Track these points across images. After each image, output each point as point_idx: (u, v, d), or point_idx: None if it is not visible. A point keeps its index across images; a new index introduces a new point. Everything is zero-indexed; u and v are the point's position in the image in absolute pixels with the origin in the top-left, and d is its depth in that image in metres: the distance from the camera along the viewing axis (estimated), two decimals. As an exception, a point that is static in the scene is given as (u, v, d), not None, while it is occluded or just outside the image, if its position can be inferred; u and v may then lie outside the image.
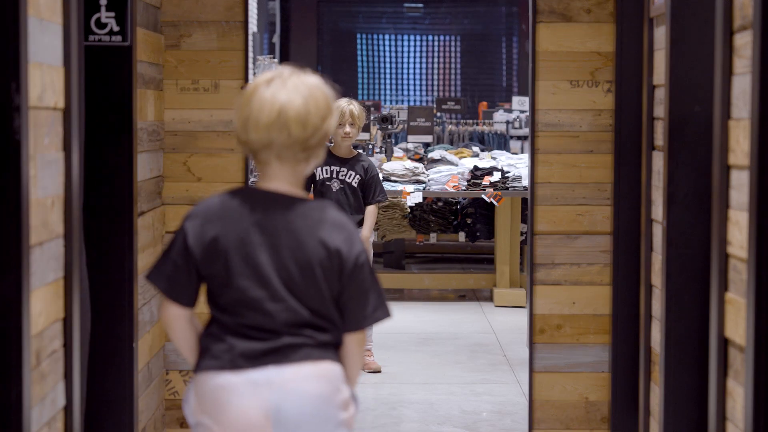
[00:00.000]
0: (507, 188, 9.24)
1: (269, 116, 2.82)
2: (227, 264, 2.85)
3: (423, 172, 9.49)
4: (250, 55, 8.96)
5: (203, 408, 2.87)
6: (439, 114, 12.90)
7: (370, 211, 7.00)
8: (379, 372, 7.12)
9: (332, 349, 2.91)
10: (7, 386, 2.97)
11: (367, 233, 6.94)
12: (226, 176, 5.33)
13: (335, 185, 6.93)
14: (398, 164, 9.58)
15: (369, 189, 6.99)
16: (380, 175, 7.35)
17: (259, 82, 2.87)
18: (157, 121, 5.16)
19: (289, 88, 2.84)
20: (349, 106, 6.98)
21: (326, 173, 6.93)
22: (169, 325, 2.95)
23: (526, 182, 9.11)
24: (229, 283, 2.85)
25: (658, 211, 4.57)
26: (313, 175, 6.92)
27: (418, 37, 17.94)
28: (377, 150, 11.34)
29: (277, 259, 2.84)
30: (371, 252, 6.91)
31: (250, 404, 2.82)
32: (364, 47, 17.93)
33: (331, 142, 7.06)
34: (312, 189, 6.94)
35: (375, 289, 2.91)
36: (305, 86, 2.86)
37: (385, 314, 2.93)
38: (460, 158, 10.18)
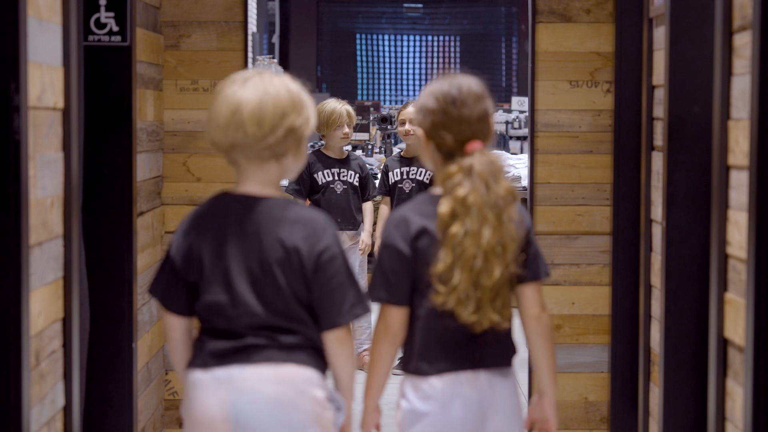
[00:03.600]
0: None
1: (225, 116, 2.84)
2: (201, 272, 2.90)
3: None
4: (250, 55, 8.96)
5: (183, 404, 2.96)
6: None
7: (368, 208, 7.00)
8: None
9: (302, 352, 2.86)
10: (6, 386, 2.97)
11: (370, 228, 6.94)
12: (225, 176, 5.33)
13: (338, 187, 6.92)
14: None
15: (365, 186, 7.00)
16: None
17: (225, 83, 2.90)
18: (156, 121, 5.16)
19: (247, 87, 2.85)
20: (343, 107, 6.99)
21: (328, 176, 6.93)
22: (166, 334, 3.03)
23: (525, 182, 9.10)
24: (204, 290, 2.90)
25: (657, 211, 4.57)
26: (315, 181, 6.91)
27: (417, 38, 17.94)
28: (377, 150, 11.35)
29: (244, 262, 2.85)
30: (376, 244, 6.89)
31: (211, 401, 2.84)
32: (364, 47, 17.93)
33: (320, 144, 7.08)
34: (318, 194, 6.92)
35: (350, 284, 2.85)
36: (264, 84, 2.85)
37: (364, 310, 2.87)
38: (460, 158, 10.16)
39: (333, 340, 2.88)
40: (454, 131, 2.98)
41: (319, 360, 2.89)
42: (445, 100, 2.99)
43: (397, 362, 3.12)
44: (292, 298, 2.83)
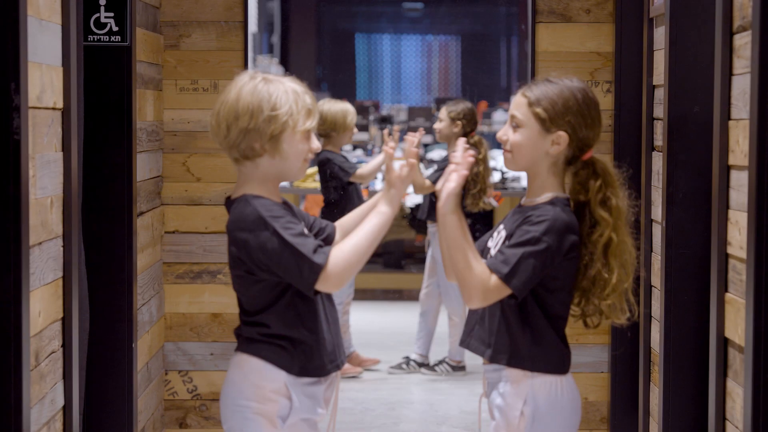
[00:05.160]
0: (506, 188, 9.24)
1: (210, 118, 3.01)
2: None
3: (422, 173, 9.49)
4: (250, 55, 8.96)
5: None
6: (438, 114, 12.90)
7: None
8: (360, 374, 7.13)
9: (261, 344, 2.92)
10: (6, 386, 2.97)
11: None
12: (225, 176, 5.33)
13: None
14: (397, 164, 9.59)
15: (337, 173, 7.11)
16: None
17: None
18: (156, 121, 5.16)
19: (225, 90, 2.97)
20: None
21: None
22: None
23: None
24: None
25: (657, 211, 4.57)
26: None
27: (417, 38, 17.94)
28: (376, 150, 11.34)
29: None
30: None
31: None
32: (364, 47, 17.93)
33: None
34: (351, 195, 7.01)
35: (289, 250, 2.83)
36: (230, 87, 2.95)
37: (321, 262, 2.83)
38: (460, 158, 10.17)
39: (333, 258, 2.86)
40: None
41: (271, 353, 2.94)
42: None
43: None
44: (254, 287, 2.92)
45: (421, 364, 7.26)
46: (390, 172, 2.96)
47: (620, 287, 3.01)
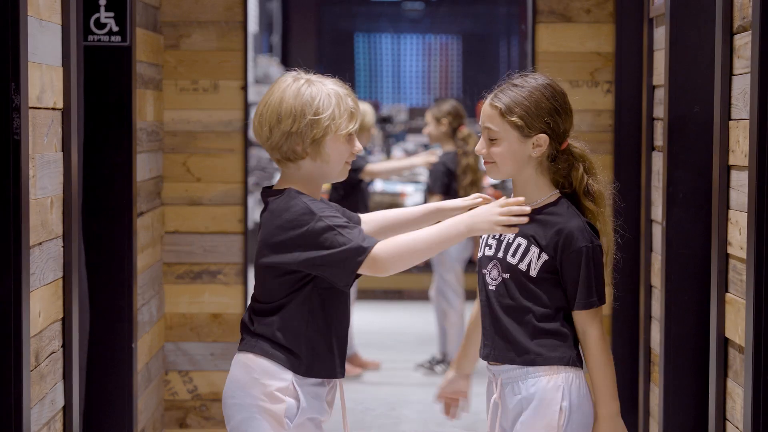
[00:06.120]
0: (507, 188, 9.24)
1: (252, 118, 3.01)
2: None
3: (422, 173, 9.49)
4: (250, 55, 8.96)
5: None
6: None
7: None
8: (361, 374, 7.14)
9: (268, 343, 2.91)
10: (6, 387, 2.97)
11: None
12: (225, 176, 5.33)
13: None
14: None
15: None
16: None
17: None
18: (156, 121, 5.16)
19: (268, 92, 2.98)
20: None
21: None
22: None
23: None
24: None
25: (657, 211, 4.57)
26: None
27: (417, 38, 17.94)
28: (376, 149, 11.34)
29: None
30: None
31: None
32: (364, 47, 17.93)
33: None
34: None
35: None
36: (273, 88, 2.96)
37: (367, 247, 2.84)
38: (460, 158, 10.17)
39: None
40: None
41: (272, 351, 2.93)
42: None
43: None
44: (276, 281, 2.92)
45: (438, 362, 7.27)
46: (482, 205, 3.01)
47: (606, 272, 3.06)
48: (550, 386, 2.96)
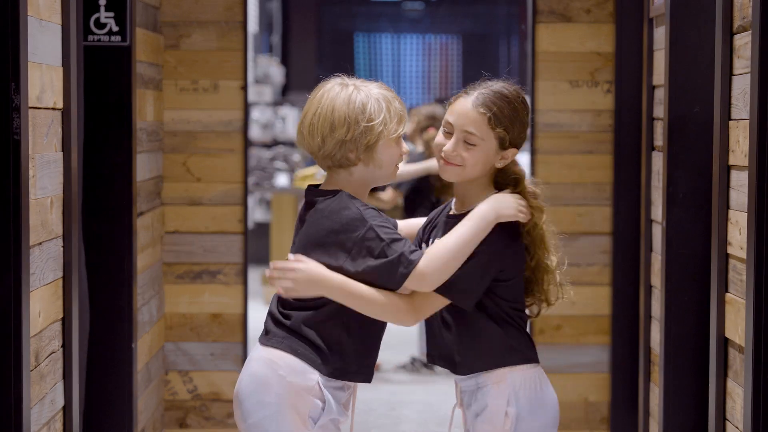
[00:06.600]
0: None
1: (298, 126, 2.97)
2: None
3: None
4: (250, 55, 8.96)
5: None
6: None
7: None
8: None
9: (296, 340, 2.89)
10: (6, 387, 2.97)
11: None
12: (225, 176, 5.33)
13: None
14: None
15: None
16: None
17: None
18: (156, 121, 5.16)
19: (314, 99, 2.94)
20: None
21: None
22: None
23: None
24: None
25: (657, 211, 4.57)
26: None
27: (417, 38, 17.94)
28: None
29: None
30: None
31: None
32: (364, 47, 17.93)
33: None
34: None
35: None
36: (322, 97, 2.92)
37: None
38: (460, 158, 10.19)
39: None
40: None
41: (299, 347, 2.91)
42: None
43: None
44: None
45: (425, 364, 7.26)
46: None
47: (556, 270, 3.07)
48: (495, 394, 2.97)
